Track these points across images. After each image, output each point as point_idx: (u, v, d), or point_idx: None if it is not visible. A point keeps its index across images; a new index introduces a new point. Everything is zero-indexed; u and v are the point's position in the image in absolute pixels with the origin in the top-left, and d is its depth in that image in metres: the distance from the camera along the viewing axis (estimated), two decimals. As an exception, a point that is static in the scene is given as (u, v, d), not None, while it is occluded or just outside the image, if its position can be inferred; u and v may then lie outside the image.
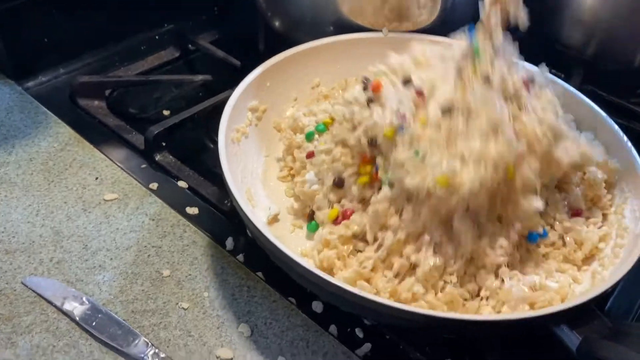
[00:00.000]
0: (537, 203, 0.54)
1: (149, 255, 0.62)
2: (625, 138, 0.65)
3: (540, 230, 0.59)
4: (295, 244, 0.61)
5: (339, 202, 0.61)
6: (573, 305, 0.48)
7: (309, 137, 0.66)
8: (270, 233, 0.51)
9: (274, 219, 0.63)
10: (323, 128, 0.66)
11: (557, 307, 0.48)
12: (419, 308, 0.51)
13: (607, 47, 0.88)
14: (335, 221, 0.59)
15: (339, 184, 0.61)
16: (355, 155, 0.61)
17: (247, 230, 0.62)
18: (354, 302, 0.48)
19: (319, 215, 0.61)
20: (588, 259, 0.59)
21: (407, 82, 0.59)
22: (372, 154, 0.59)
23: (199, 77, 0.85)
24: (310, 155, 0.64)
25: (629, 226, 0.59)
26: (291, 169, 0.68)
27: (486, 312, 0.53)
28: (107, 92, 0.83)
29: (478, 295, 0.55)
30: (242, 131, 0.66)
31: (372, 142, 0.58)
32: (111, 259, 0.61)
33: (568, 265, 0.58)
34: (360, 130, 0.59)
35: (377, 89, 0.59)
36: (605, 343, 0.46)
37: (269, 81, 0.71)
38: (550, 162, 0.57)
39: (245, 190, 0.62)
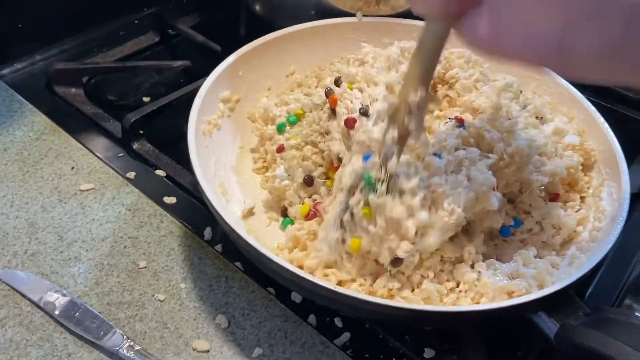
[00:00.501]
0: (494, 200, 0.53)
1: (125, 247, 0.61)
2: (601, 119, 0.65)
3: (511, 222, 0.59)
4: (271, 238, 0.60)
5: (310, 197, 0.61)
6: (549, 292, 0.47)
7: (280, 129, 0.65)
8: (242, 229, 0.50)
9: (249, 213, 0.62)
10: (294, 120, 0.64)
11: (533, 295, 0.48)
12: (394, 301, 0.50)
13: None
14: (307, 217, 0.59)
15: (308, 182, 0.61)
16: (325, 158, 0.61)
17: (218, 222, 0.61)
18: (328, 297, 0.47)
19: (291, 211, 0.60)
20: (567, 244, 0.59)
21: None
22: (338, 164, 0.59)
23: (178, 63, 0.84)
24: (280, 149, 0.63)
25: (607, 209, 0.58)
26: (264, 160, 0.66)
27: (464, 305, 0.52)
28: (85, 79, 0.81)
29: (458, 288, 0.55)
30: (213, 123, 0.65)
31: (339, 157, 0.59)
32: (87, 250, 0.60)
33: (546, 251, 0.58)
34: (327, 143, 0.60)
35: (334, 103, 0.61)
36: (583, 329, 0.46)
37: (241, 70, 0.69)
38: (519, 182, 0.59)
39: (218, 184, 0.61)
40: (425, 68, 0.46)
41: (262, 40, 0.70)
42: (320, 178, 0.61)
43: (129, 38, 0.90)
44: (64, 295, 0.56)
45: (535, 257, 0.56)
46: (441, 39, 0.43)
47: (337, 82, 0.63)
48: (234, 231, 0.50)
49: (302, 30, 0.73)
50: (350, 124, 0.58)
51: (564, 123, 0.65)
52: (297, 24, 0.74)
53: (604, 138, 0.63)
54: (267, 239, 0.60)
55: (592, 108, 0.66)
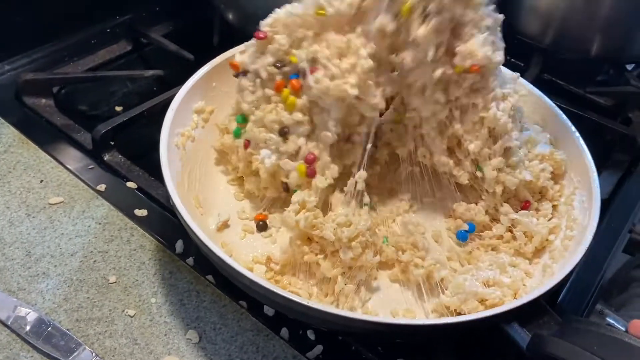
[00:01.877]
0: None
1: (94, 261, 0.60)
2: (573, 128, 0.65)
3: (465, 226, 0.60)
4: (246, 251, 0.60)
5: (297, 154, 0.59)
6: (521, 303, 0.47)
7: (237, 134, 0.63)
8: (215, 243, 0.50)
9: (223, 225, 0.61)
10: (243, 118, 0.63)
11: (506, 306, 0.48)
12: (367, 315, 0.50)
13: (564, 35, 0.87)
14: (308, 175, 0.58)
15: (283, 132, 0.59)
16: (270, 92, 0.59)
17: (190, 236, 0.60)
18: (301, 311, 0.47)
19: (292, 181, 0.59)
20: (539, 252, 0.59)
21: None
22: (283, 77, 0.59)
23: (150, 72, 0.83)
24: (246, 145, 0.62)
25: (578, 217, 0.59)
26: (236, 169, 0.65)
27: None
28: (55, 89, 0.80)
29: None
30: (187, 135, 0.64)
31: (279, 65, 0.58)
32: (55, 265, 0.59)
33: (520, 259, 0.58)
34: (265, 62, 0.59)
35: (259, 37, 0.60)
36: (554, 340, 0.46)
37: (215, 80, 0.68)
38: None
39: (192, 197, 0.60)
40: None
41: (235, 50, 0.70)
42: (286, 118, 0.58)
43: (101, 47, 0.88)
44: (31, 312, 0.55)
45: (509, 265, 0.57)
46: None
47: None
48: (205, 245, 0.50)
49: None
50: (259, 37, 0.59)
51: (537, 132, 0.66)
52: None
53: (575, 147, 0.63)
54: (242, 252, 0.59)
55: (564, 117, 0.66)
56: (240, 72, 0.61)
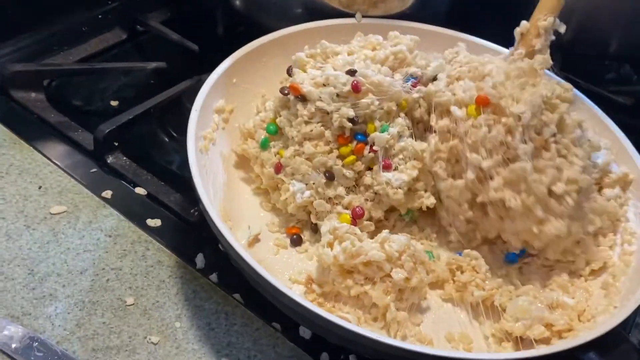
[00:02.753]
0: None
1: (107, 280, 0.54)
2: (621, 133, 0.62)
3: (517, 249, 0.56)
4: (281, 268, 0.54)
5: (336, 202, 0.56)
6: (602, 333, 0.44)
7: (264, 145, 0.58)
8: (262, 268, 0.44)
9: (254, 240, 0.56)
10: (274, 128, 0.58)
11: (584, 336, 0.44)
12: (422, 346, 0.46)
13: (585, 32, 0.84)
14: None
15: (330, 176, 0.55)
16: (332, 141, 0.56)
17: (220, 246, 0.55)
18: (363, 344, 0.42)
19: (325, 226, 0.54)
20: (597, 271, 0.55)
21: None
22: (351, 132, 0.56)
23: (152, 65, 0.75)
24: (278, 169, 0.57)
25: (637, 231, 0.56)
26: (260, 180, 0.60)
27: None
28: (46, 82, 0.72)
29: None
30: (209, 138, 0.58)
31: (354, 120, 0.55)
32: (63, 285, 0.53)
33: (575, 278, 0.54)
34: (344, 111, 0.55)
35: (295, 90, 0.56)
36: None
37: (235, 77, 0.62)
38: None
39: (220, 209, 0.54)
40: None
41: (256, 44, 0.64)
42: (337, 165, 0.55)
43: (93, 35, 0.81)
44: (39, 341, 0.48)
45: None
46: None
47: (289, 72, 0.60)
48: (253, 270, 0.44)
49: (296, 33, 0.66)
50: (356, 88, 0.55)
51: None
52: (287, 25, 0.68)
53: (624, 153, 0.60)
54: (277, 270, 0.54)
55: (609, 121, 0.63)
56: (299, 97, 0.56)
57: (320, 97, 0.55)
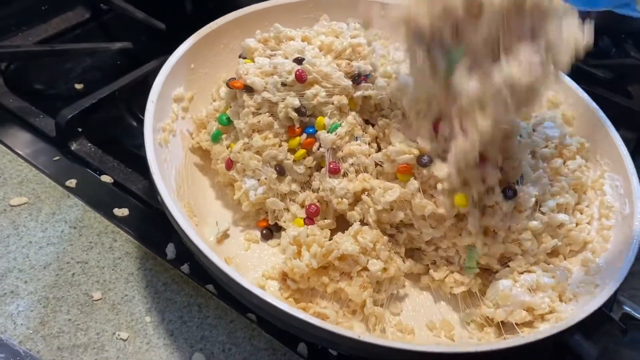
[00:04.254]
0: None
1: (73, 274, 0.51)
2: (595, 106, 0.60)
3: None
4: (254, 265, 0.52)
5: (291, 197, 0.54)
6: (587, 314, 0.43)
7: (216, 139, 0.55)
8: (232, 270, 0.42)
9: (223, 236, 0.53)
10: (226, 119, 0.55)
11: (570, 319, 0.43)
12: (398, 342, 0.44)
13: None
14: (306, 224, 0.52)
15: (281, 170, 0.53)
16: (281, 133, 0.53)
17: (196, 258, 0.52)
18: (347, 345, 0.41)
19: (285, 224, 0.53)
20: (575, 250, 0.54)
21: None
22: (301, 124, 0.53)
23: (117, 45, 0.72)
24: (229, 165, 0.54)
25: (614, 205, 0.54)
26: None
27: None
28: (3, 65, 0.69)
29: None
30: (168, 129, 0.55)
31: (304, 112, 0.52)
32: (25, 282, 0.50)
33: (553, 257, 0.53)
34: (290, 101, 0.52)
35: (238, 86, 0.53)
36: (625, 352, 0.43)
37: (192, 62, 0.59)
38: None
39: (184, 204, 0.51)
40: None
41: (213, 25, 0.60)
42: (288, 159, 0.53)
43: (54, 14, 0.77)
44: (0, 342, 0.46)
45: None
46: None
47: (241, 57, 0.57)
48: (224, 274, 0.42)
49: (252, 13, 0.63)
50: (300, 78, 0.52)
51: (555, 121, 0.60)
52: (248, 5, 0.64)
53: (600, 127, 0.58)
54: (250, 266, 0.52)
55: (585, 95, 0.61)
56: (244, 88, 0.53)
57: (265, 87, 0.52)
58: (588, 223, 0.55)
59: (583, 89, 0.64)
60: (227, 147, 0.55)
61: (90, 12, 0.79)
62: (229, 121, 0.55)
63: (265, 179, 0.53)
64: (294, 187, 0.53)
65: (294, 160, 0.53)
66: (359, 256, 0.47)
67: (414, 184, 0.49)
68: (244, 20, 0.63)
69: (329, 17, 0.64)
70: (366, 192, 0.51)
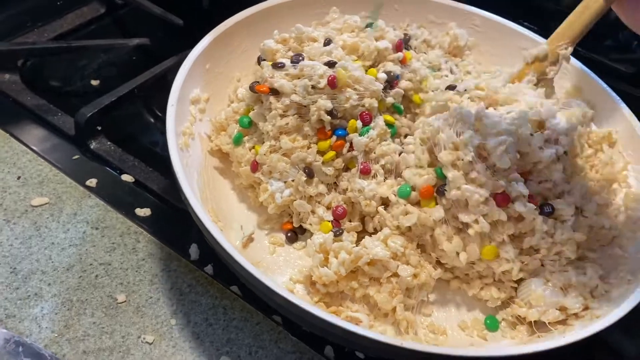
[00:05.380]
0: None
1: (96, 276, 0.50)
2: (616, 97, 0.60)
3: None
4: (280, 269, 0.51)
5: (316, 199, 0.53)
6: (625, 312, 0.42)
7: (237, 141, 0.54)
8: (260, 273, 0.41)
9: (249, 240, 0.52)
10: (247, 121, 0.54)
11: (609, 317, 0.42)
12: (426, 345, 0.44)
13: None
14: (333, 227, 0.51)
15: (310, 173, 0.52)
16: (311, 135, 0.52)
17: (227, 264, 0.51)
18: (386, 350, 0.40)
19: (310, 227, 0.52)
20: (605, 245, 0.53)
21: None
22: (331, 126, 0.52)
23: (134, 41, 0.71)
24: (254, 167, 0.53)
25: None
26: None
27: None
28: (20, 62, 0.68)
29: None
30: (188, 133, 0.54)
31: (332, 113, 0.51)
32: (49, 284, 0.49)
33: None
34: (321, 103, 0.51)
35: (264, 91, 0.52)
36: None
37: (208, 62, 0.58)
38: None
39: (209, 209, 0.51)
40: (582, 31, 0.53)
41: (225, 25, 0.59)
42: (317, 161, 0.52)
43: (68, 9, 0.76)
44: (25, 345, 0.45)
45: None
46: (602, 12, 0.51)
47: (259, 62, 0.56)
48: (254, 278, 0.41)
49: (265, 10, 0.62)
50: (332, 83, 0.51)
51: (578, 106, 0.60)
52: (261, 1, 0.63)
53: (622, 118, 0.57)
54: (277, 270, 0.51)
55: (605, 86, 0.61)
56: (271, 91, 0.52)
57: (294, 91, 0.51)
58: (615, 216, 0.54)
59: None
60: (250, 149, 0.54)
61: (105, 7, 0.78)
62: (251, 124, 0.54)
63: (293, 181, 0.52)
64: (321, 188, 0.52)
65: (323, 162, 0.52)
66: (389, 261, 0.46)
67: (439, 211, 0.48)
68: (257, 18, 0.62)
69: (339, 9, 0.64)
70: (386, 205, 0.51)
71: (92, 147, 0.60)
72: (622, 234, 0.53)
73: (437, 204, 0.49)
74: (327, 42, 0.56)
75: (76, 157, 0.59)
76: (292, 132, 0.52)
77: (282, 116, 0.52)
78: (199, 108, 0.57)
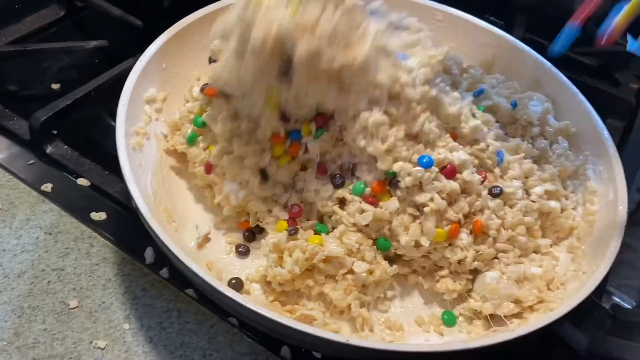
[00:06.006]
0: None
1: (48, 282, 0.50)
2: (575, 90, 0.60)
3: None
4: (236, 270, 0.51)
5: (272, 199, 0.52)
6: (577, 303, 0.43)
7: (191, 141, 0.54)
8: (213, 279, 0.41)
9: (204, 240, 0.52)
10: (202, 122, 0.54)
11: (560, 309, 0.43)
12: (384, 343, 0.44)
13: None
14: (289, 225, 0.51)
15: (265, 176, 0.52)
16: (264, 140, 0.52)
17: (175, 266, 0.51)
18: (334, 348, 0.40)
19: (268, 227, 0.51)
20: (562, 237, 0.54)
21: None
22: (285, 128, 0.51)
23: (92, 43, 0.70)
24: (208, 169, 0.52)
25: (597, 189, 0.54)
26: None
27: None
28: (-25, 66, 0.67)
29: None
30: (142, 132, 0.53)
31: (286, 118, 0.51)
32: (0, 291, 0.49)
33: (540, 239, 0.52)
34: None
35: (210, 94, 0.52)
36: (615, 341, 0.43)
37: (164, 61, 0.57)
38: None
39: (162, 209, 0.50)
40: None
41: (182, 24, 0.59)
42: (272, 164, 0.51)
43: (28, 12, 0.75)
44: (-26, 354, 0.44)
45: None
46: None
47: (210, 62, 0.55)
48: (206, 282, 0.41)
49: (223, 9, 0.60)
50: None
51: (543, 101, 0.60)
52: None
53: (581, 112, 0.58)
54: (231, 271, 0.50)
55: (565, 79, 0.61)
56: (220, 94, 0.51)
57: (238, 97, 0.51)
58: (573, 209, 0.54)
59: (568, 76, 0.63)
60: (205, 150, 0.53)
61: (65, 10, 0.77)
62: (205, 123, 0.54)
63: (248, 182, 0.51)
64: (277, 188, 0.52)
65: (278, 166, 0.51)
66: (345, 258, 0.46)
67: (394, 203, 0.48)
68: (214, 16, 0.61)
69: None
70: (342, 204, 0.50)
71: (47, 151, 0.60)
72: (579, 226, 0.53)
73: (391, 196, 0.49)
74: None
75: (31, 162, 0.59)
76: (244, 136, 0.51)
77: (233, 118, 0.51)
78: (155, 108, 0.56)
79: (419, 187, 0.48)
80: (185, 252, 0.42)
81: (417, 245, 0.48)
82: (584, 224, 0.53)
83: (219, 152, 0.51)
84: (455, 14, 0.68)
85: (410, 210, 0.48)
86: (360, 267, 0.46)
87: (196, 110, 0.55)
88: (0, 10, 0.75)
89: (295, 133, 0.51)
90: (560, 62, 0.78)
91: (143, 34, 0.74)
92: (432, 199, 0.47)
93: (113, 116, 0.66)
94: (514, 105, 0.57)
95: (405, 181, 0.47)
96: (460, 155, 0.49)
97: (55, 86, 0.69)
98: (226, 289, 0.41)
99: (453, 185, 0.48)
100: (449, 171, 0.48)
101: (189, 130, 0.54)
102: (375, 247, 0.49)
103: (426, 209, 0.47)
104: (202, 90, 0.52)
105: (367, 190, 0.50)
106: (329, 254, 0.46)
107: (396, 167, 0.48)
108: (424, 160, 0.47)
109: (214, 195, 0.53)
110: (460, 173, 0.49)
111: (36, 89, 0.69)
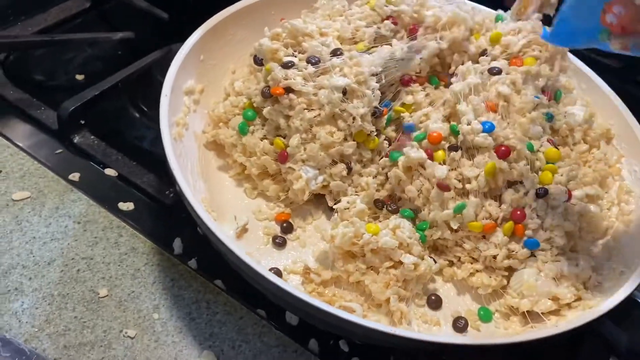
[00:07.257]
0: None
1: (78, 270, 0.50)
2: (608, 89, 0.60)
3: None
4: (274, 261, 0.51)
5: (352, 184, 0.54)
6: (618, 302, 0.43)
7: (244, 131, 0.54)
8: (256, 263, 0.41)
9: (243, 230, 0.52)
10: (253, 115, 0.54)
11: (601, 307, 0.43)
12: (422, 334, 0.43)
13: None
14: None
15: (348, 166, 0.53)
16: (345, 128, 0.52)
17: (199, 229, 0.51)
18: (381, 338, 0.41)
19: (342, 205, 0.51)
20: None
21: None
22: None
23: (119, 35, 0.70)
24: (284, 157, 0.52)
25: (633, 190, 0.54)
26: (240, 167, 0.56)
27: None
28: (2, 56, 0.67)
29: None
30: (182, 123, 0.53)
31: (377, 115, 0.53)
32: (30, 278, 0.49)
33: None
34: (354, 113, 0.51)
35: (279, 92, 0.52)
36: None
37: (202, 53, 0.57)
38: None
39: (202, 199, 0.50)
40: None
41: (220, 16, 0.59)
42: (355, 155, 0.53)
43: (53, 3, 0.75)
44: (5, 341, 0.44)
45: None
46: None
47: (257, 62, 0.55)
48: (253, 270, 0.41)
49: (260, 2, 0.61)
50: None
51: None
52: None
53: (615, 111, 0.58)
54: (269, 261, 0.51)
55: (598, 79, 0.61)
56: (286, 91, 0.52)
57: (318, 98, 0.51)
58: (608, 209, 0.54)
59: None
60: (261, 139, 0.54)
61: (90, 1, 0.77)
62: (255, 116, 0.54)
63: (327, 168, 0.52)
64: (370, 180, 0.53)
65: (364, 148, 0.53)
66: (396, 251, 0.46)
67: (442, 170, 0.49)
68: (251, 9, 0.61)
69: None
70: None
71: (75, 141, 0.60)
72: (614, 226, 0.53)
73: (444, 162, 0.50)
74: (338, 52, 0.54)
75: (59, 151, 0.59)
76: (325, 124, 0.51)
77: (308, 110, 0.51)
78: (193, 99, 0.57)
79: (472, 155, 0.50)
80: (244, 253, 0.42)
81: (448, 225, 0.49)
82: (619, 224, 0.53)
83: (297, 142, 0.51)
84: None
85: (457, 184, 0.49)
86: (408, 259, 0.46)
87: (242, 105, 0.55)
88: (25, 1, 0.75)
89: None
90: (583, 62, 0.78)
91: (168, 27, 0.74)
92: (477, 177, 0.48)
93: (138, 108, 0.67)
94: (550, 117, 0.56)
95: (463, 129, 0.49)
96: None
97: (79, 77, 0.69)
98: (273, 276, 0.40)
99: (502, 164, 0.48)
100: (504, 152, 0.49)
101: (239, 122, 0.54)
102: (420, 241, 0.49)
103: (467, 186, 0.48)
104: (264, 94, 0.52)
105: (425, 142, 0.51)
106: (383, 245, 0.46)
107: (462, 106, 0.50)
108: (487, 126, 0.49)
109: (259, 187, 0.54)
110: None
111: (61, 79, 0.69)
